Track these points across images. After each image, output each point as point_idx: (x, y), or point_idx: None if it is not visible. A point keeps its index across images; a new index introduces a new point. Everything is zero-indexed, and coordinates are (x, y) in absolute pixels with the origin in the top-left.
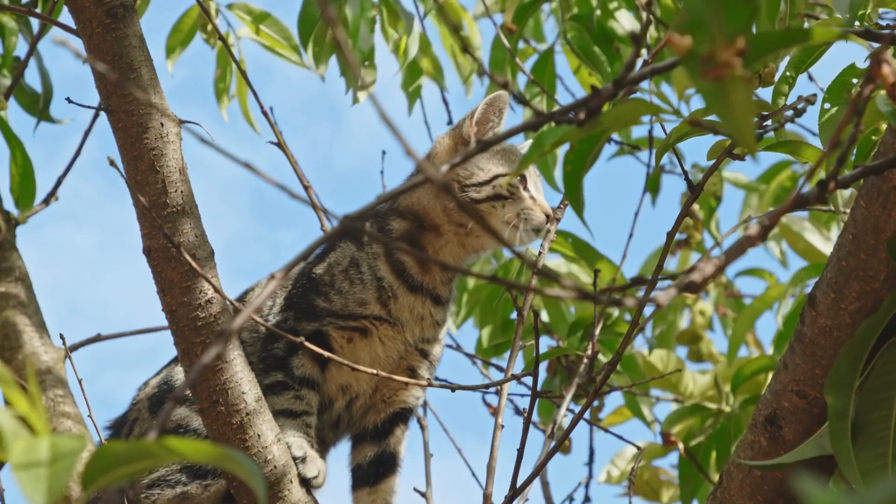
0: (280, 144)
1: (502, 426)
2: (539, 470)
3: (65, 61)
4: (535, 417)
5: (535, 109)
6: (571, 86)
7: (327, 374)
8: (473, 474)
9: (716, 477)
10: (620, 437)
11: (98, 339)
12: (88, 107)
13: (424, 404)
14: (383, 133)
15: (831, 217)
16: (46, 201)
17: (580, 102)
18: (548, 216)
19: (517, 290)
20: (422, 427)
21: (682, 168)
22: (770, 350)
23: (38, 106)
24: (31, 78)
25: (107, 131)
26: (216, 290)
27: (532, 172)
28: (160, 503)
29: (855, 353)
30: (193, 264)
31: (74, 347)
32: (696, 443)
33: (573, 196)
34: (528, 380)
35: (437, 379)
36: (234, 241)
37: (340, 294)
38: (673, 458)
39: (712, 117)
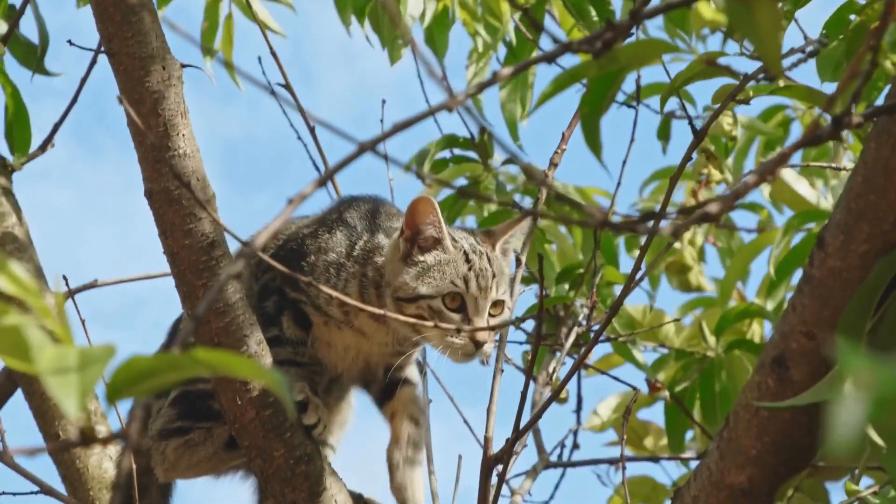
0: (287, 86)
1: (502, 371)
2: (541, 413)
3: (60, 12)
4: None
5: (554, 37)
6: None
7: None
8: (465, 421)
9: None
10: (617, 379)
11: (94, 285)
12: (90, 49)
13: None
14: (354, 97)
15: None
16: (43, 148)
17: (595, 36)
18: (481, 344)
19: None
20: (422, 373)
21: (686, 112)
22: (755, 298)
23: (34, 58)
24: (27, 28)
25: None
26: (225, 228)
27: (483, 286)
28: (168, 452)
29: (868, 294)
30: (201, 202)
31: (72, 293)
32: (681, 389)
33: (591, 138)
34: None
35: None
36: None
37: (316, 280)
38: (656, 409)
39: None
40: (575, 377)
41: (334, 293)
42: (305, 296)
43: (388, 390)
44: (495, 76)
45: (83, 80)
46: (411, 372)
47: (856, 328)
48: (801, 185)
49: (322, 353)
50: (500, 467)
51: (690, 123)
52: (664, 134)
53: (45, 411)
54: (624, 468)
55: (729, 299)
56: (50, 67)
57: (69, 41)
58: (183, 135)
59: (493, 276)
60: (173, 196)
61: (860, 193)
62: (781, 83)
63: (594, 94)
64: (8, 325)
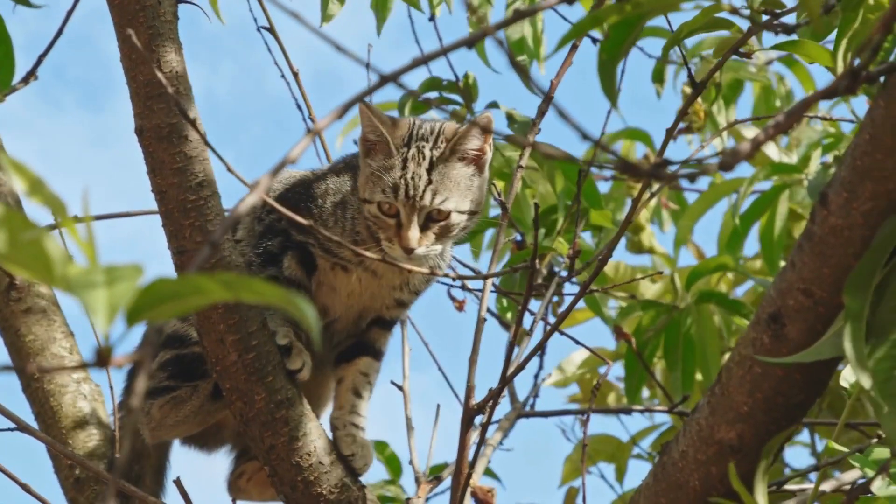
0: (271, 29)
1: (485, 319)
2: (527, 361)
3: None
4: (497, 312)
5: None
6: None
7: (313, 289)
8: (441, 369)
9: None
10: (581, 344)
11: (77, 220)
12: None
13: None
14: (316, 57)
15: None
16: (26, 80)
17: None
18: (409, 251)
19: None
20: (401, 322)
21: (687, 65)
22: (715, 250)
23: None
24: None
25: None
26: (230, 168)
27: (411, 195)
28: (153, 412)
29: (876, 254)
30: (205, 138)
31: (50, 228)
32: (646, 338)
33: (607, 84)
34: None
35: None
36: None
37: (325, 226)
38: (619, 367)
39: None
40: (540, 328)
41: (334, 237)
42: (314, 238)
43: (349, 352)
44: (517, 13)
45: (69, 13)
46: (382, 342)
47: (862, 288)
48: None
49: (324, 297)
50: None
51: (690, 75)
52: (659, 77)
53: (19, 347)
54: (587, 422)
55: (681, 248)
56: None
57: None
58: (177, 72)
59: (429, 183)
60: (163, 134)
61: (866, 151)
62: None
63: (613, 40)
64: (30, 240)
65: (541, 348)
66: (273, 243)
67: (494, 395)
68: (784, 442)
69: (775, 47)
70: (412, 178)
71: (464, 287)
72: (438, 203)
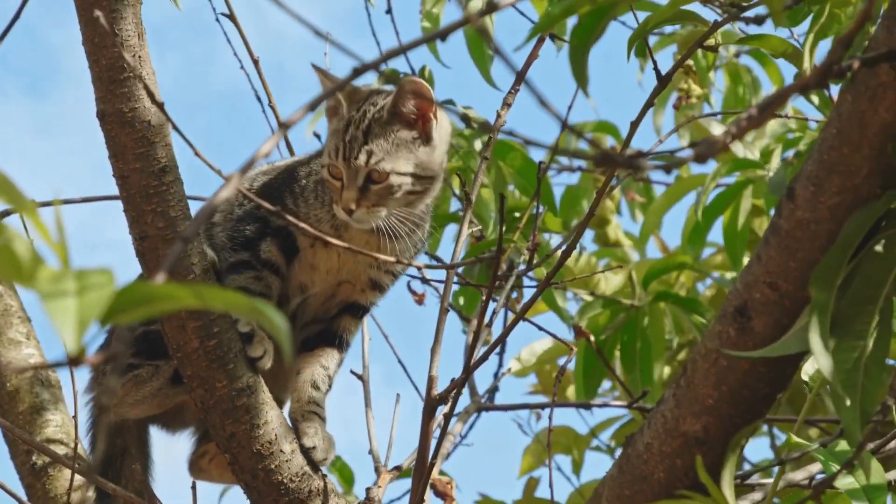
0: (231, 17)
1: (447, 310)
2: (491, 350)
3: None
4: (454, 305)
5: None
6: None
7: (291, 271)
8: (400, 360)
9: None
10: (548, 332)
11: (10, 212)
12: None
13: None
14: (259, 48)
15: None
16: None
17: None
18: (348, 212)
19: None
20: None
21: (652, 58)
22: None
23: None
24: None
25: None
26: (204, 160)
27: (347, 156)
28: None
29: (843, 248)
30: (174, 123)
31: (5, 214)
32: (605, 337)
33: (578, 71)
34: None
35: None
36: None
37: (306, 203)
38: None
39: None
40: (501, 321)
41: (299, 223)
42: (296, 217)
43: (312, 341)
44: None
45: (24, 1)
46: (349, 332)
47: (829, 281)
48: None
49: (302, 276)
50: (443, 408)
51: (655, 68)
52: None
53: None
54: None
55: (646, 243)
56: None
57: None
58: (139, 56)
59: (364, 143)
60: (126, 118)
61: (833, 146)
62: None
63: (584, 26)
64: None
65: (505, 338)
66: (251, 228)
67: (458, 385)
68: (750, 435)
69: (740, 41)
70: (350, 140)
71: (424, 280)
72: (374, 163)
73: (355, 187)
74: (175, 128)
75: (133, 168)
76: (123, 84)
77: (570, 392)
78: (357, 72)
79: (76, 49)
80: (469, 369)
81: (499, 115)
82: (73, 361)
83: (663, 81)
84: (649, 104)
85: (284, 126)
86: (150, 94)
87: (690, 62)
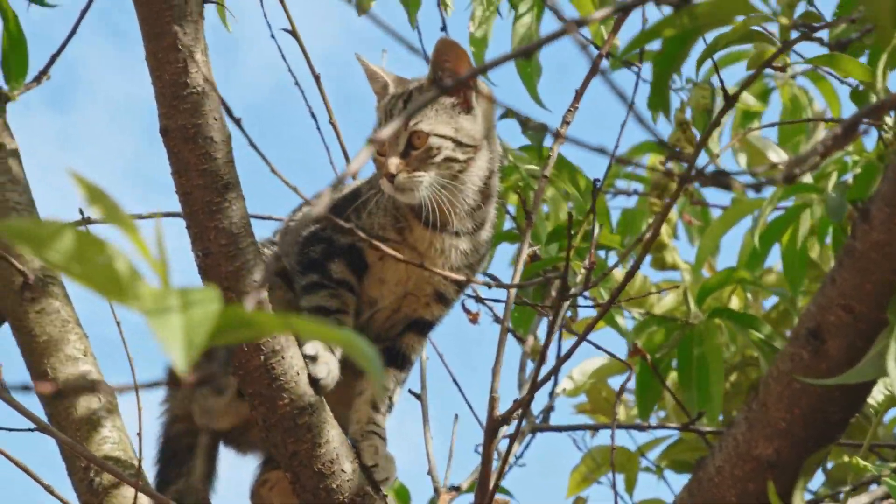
0: (294, 32)
1: (509, 329)
2: (557, 368)
3: None
4: (510, 326)
5: None
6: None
7: (362, 286)
8: (455, 380)
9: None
10: (606, 351)
11: (87, 221)
12: None
13: None
14: (280, 67)
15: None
16: (38, 79)
17: None
18: (391, 176)
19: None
20: None
21: (720, 78)
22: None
23: None
24: None
25: None
26: (280, 176)
27: (384, 120)
28: (199, 399)
29: None
30: (251, 140)
31: (82, 223)
32: (661, 356)
33: (659, 98)
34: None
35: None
36: (121, 170)
37: (369, 214)
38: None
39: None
40: (555, 340)
41: (363, 235)
42: (361, 231)
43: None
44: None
45: (83, 12)
46: (414, 350)
47: None
48: (774, 154)
49: (372, 290)
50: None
51: (723, 88)
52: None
53: (33, 348)
54: (613, 436)
55: (702, 267)
56: None
57: None
58: (203, 73)
59: (403, 107)
60: (189, 134)
61: None
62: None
63: (666, 53)
64: (101, 262)
65: (568, 357)
66: (316, 250)
67: (524, 406)
68: (823, 460)
69: (810, 61)
70: (390, 108)
71: (478, 299)
72: (413, 125)
73: (396, 152)
74: (252, 144)
75: (196, 184)
76: (186, 100)
77: (621, 413)
78: (442, 90)
79: (95, 61)
80: (534, 388)
81: (558, 134)
82: (174, 382)
83: (730, 101)
84: (716, 123)
85: (373, 142)
86: (228, 110)
87: (689, 117)
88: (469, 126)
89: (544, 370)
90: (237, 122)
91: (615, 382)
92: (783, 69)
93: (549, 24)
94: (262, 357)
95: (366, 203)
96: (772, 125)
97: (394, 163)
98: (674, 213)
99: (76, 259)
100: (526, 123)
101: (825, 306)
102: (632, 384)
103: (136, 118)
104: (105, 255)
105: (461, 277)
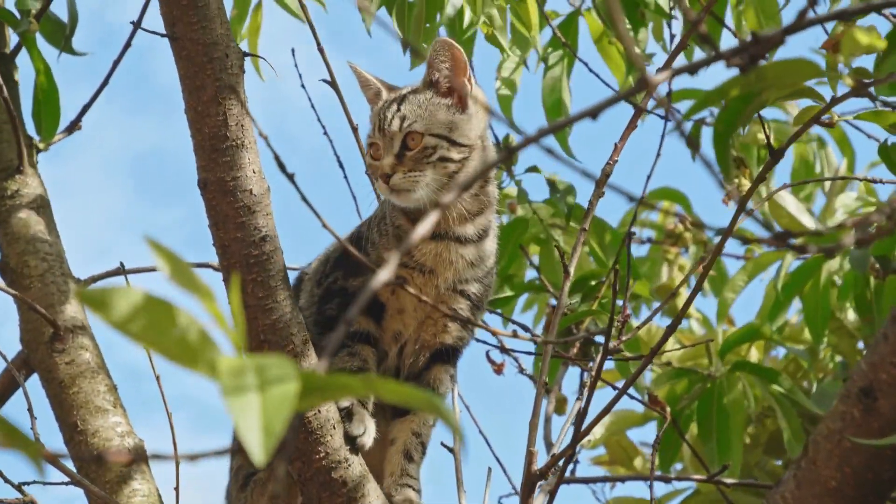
0: (333, 83)
1: (546, 382)
2: (596, 422)
3: None
4: (534, 375)
5: (711, 43)
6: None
7: (383, 325)
8: (482, 432)
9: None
10: (635, 398)
11: (120, 272)
12: (155, 32)
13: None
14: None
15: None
16: (69, 129)
17: (740, 48)
18: (385, 177)
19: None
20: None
21: (766, 132)
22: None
23: (62, 36)
24: (57, 6)
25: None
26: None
27: (379, 125)
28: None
29: None
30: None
31: (94, 279)
32: (680, 407)
33: (722, 156)
34: (532, 335)
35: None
36: (111, 222)
37: (374, 246)
38: (647, 429)
39: None
40: (577, 392)
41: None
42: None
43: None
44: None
45: (115, 63)
46: (443, 384)
47: None
48: (794, 208)
49: (395, 324)
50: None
51: (768, 143)
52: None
53: (62, 399)
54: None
55: (724, 321)
56: (97, 42)
57: (133, 23)
58: (242, 125)
59: (397, 111)
60: (228, 187)
61: None
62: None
63: (730, 112)
64: (176, 331)
65: (609, 410)
66: (332, 306)
67: (567, 459)
68: None
69: (860, 117)
70: (384, 111)
71: (503, 349)
72: (407, 126)
73: (391, 154)
74: (304, 200)
75: (234, 237)
76: (226, 153)
77: (637, 463)
78: (511, 151)
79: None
80: (576, 441)
81: (598, 185)
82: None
83: (776, 156)
84: (760, 178)
85: (442, 207)
86: (280, 165)
87: (743, 154)
88: (464, 126)
89: (556, 421)
90: (290, 177)
91: (633, 434)
92: (832, 125)
93: (578, 76)
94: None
95: (370, 233)
96: (816, 181)
97: (388, 163)
98: (687, 262)
99: (150, 327)
100: (553, 183)
101: (877, 364)
102: (647, 435)
103: (129, 169)
104: (180, 324)
105: (461, 315)
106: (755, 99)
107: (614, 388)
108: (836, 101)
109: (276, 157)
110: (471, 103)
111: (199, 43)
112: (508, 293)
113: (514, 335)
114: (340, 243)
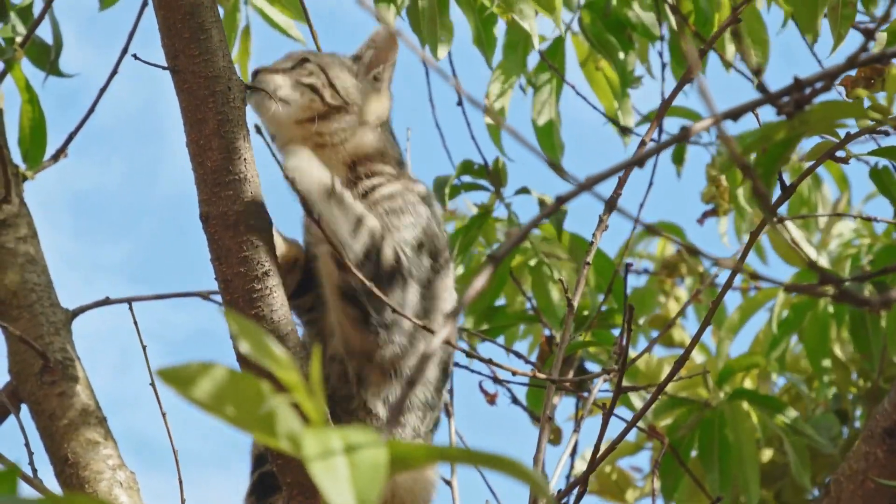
0: None
1: (550, 418)
2: (611, 449)
3: (79, 12)
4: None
5: (762, 84)
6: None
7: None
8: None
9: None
10: (642, 430)
11: (106, 302)
12: (157, 65)
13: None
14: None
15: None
16: (55, 157)
17: (784, 92)
18: (260, 70)
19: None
20: (448, 414)
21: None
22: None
23: (48, 58)
24: (41, 29)
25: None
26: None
27: None
28: None
29: None
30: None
31: (82, 309)
32: (679, 437)
33: (763, 197)
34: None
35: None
36: (54, 260)
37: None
38: (640, 457)
39: None
40: (573, 423)
41: None
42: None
43: None
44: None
45: (102, 90)
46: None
47: None
48: (797, 236)
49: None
50: None
51: (780, 179)
52: (679, 158)
53: (53, 432)
54: None
55: (723, 359)
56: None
57: (134, 55)
58: (245, 159)
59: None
60: (230, 221)
61: None
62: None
63: (771, 156)
64: (256, 404)
65: (618, 443)
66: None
67: (582, 486)
68: None
69: (874, 153)
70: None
71: (496, 380)
72: (306, 54)
73: (281, 67)
74: (324, 233)
75: (236, 272)
76: (228, 186)
77: (629, 495)
78: (560, 201)
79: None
80: (589, 471)
81: (601, 220)
82: None
83: (788, 192)
84: (773, 213)
85: (493, 260)
86: (306, 204)
87: (722, 175)
88: (354, 87)
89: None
90: (313, 217)
91: (626, 463)
92: (846, 161)
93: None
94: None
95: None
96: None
97: (272, 67)
98: (683, 292)
99: (235, 404)
100: (543, 202)
101: None
102: (642, 462)
103: (69, 208)
104: (259, 396)
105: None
106: (794, 143)
107: (623, 420)
108: (850, 137)
109: (294, 187)
110: (386, 90)
111: (200, 76)
112: (496, 323)
113: (514, 372)
114: (367, 285)
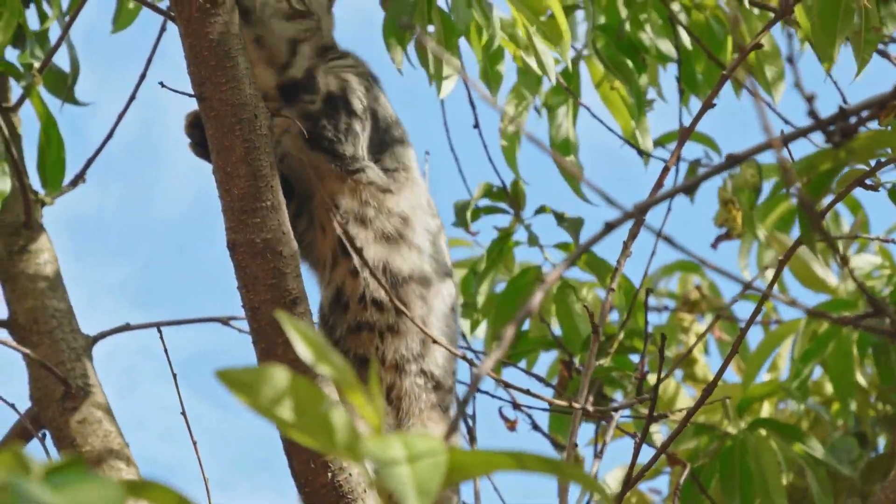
0: None
1: (576, 445)
2: (640, 475)
3: (96, 40)
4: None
5: (814, 111)
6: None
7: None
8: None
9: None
10: (672, 457)
11: (127, 328)
12: (184, 93)
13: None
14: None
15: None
16: (74, 183)
17: (829, 121)
18: None
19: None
20: (472, 438)
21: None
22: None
23: (64, 86)
24: (58, 57)
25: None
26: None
27: None
28: None
29: None
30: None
31: (103, 335)
32: (699, 465)
33: (807, 230)
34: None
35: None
36: None
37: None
38: (658, 482)
39: None
40: (593, 448)
41: None
42: None
43: None
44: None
45: (120, 116)
46: None
47: None
48: (817, 266)
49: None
50: None
51: (803, 206)
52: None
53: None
54: None
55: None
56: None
57: (161, 83)
58: (272, 186)
59: None
60: (258, 248)
61: None
62: None
63: (815, 186)
64: (322, 414)
65: (650, 467)
66: None
67: None
68: None
69: None
70: None
71: (515, 406)
72: None
73: None
74: (355, 250)
75: (264, 299)
76: (256, 214)
77: None
78: (610, 227)
79: None
80: (622, 496)
81: (625, 246)
82: None
83: (817, 220)
84: (796, 246)
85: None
86: (349, 240)
87: (734, 197)
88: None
89: None
90: (357, 252)
91: (643, 486)
92: (875, 189)
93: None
94: (330, 475)
95: None
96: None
97: None
98: (703, 328)
99: (296, 411)
100: (561, 217)
101: None
102: (660, 486)
103: (67, 231)
104: (323, 407)
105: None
106: (838, 172)
107: (653, 447)
108: (880, 165)
109: (344, 229)
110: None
111: (227, 103)
112: (518, 349)
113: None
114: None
